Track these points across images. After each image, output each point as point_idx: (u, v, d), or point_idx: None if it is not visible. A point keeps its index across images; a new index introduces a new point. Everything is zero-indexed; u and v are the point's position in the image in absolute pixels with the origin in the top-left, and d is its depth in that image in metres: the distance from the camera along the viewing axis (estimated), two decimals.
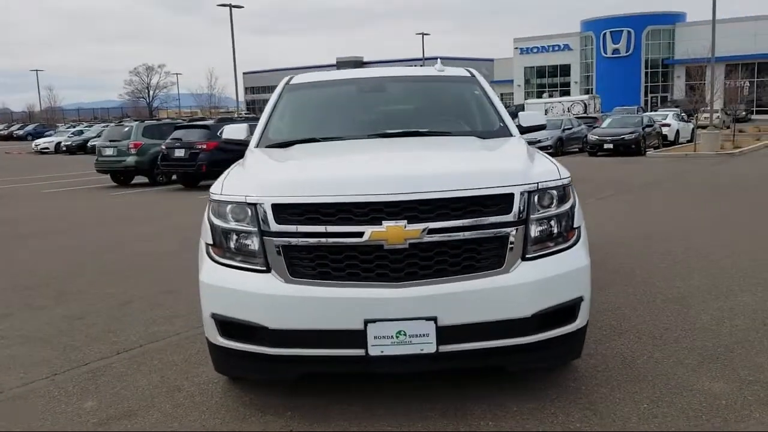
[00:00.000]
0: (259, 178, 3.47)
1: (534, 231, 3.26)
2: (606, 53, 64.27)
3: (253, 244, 3.27)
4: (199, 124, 18.11)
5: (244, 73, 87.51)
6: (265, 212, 3.22)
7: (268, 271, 3.23)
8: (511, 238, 3.19)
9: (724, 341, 4.29)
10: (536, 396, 3.57)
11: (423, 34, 66.93)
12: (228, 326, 3.33)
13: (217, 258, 3.42)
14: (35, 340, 4.86)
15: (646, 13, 63.21)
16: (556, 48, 69.87)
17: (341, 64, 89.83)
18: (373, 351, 3.11)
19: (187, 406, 3.64)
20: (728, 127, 30.45)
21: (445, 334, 3.11)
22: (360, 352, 3.13)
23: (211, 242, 3.45)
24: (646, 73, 63.56)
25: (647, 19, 62.70)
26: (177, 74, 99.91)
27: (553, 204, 3.33)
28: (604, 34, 64.17)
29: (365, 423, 3.36)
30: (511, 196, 3.21)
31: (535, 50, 71.26)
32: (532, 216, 3.25)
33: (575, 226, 3.43)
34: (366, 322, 3.09)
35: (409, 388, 3.68)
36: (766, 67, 57.21)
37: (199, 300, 3.47)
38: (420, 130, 4.49)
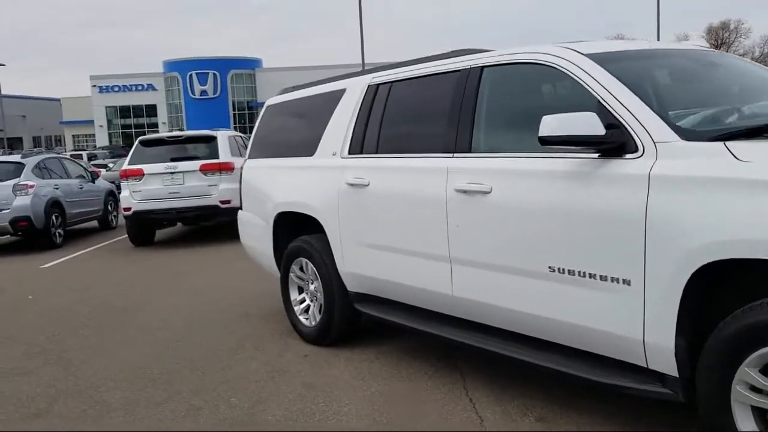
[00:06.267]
0: None
1: None
2: (194, 94, 64.86)
3: None
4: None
5: None
6: None
7: None
8: None
9: None
10: None
11: None
12: None
13: None
14: None
15: (228, 57, 66.14)
16: (140, 87, 67.29)
17: None
18: None
19: None
20: None
21: None
22: None
23: None
24: (234, 115, 66.28)
25: (230, 63, 65.69)
26: None
27: None
28: (191, 75, 64.67)
29: None
30: None
31: (116, 89, 67.13)
32: None
33: None
34: None
35: None
36: None
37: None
38: None
